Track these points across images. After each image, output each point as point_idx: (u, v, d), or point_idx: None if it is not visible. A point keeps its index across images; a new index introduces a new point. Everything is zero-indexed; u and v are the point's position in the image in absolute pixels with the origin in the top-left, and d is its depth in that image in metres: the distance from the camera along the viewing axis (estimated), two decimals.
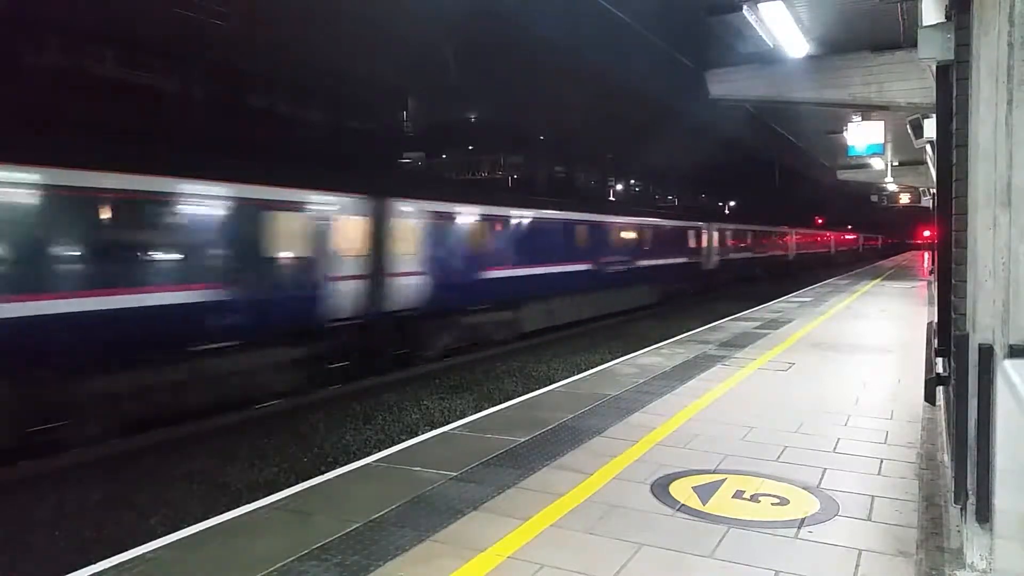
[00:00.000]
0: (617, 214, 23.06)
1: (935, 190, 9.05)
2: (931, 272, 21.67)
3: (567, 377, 9.70)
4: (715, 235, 30.81)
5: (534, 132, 36.12)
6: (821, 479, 5.05)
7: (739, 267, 34.14)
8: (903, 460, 5.45)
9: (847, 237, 73.09)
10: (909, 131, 14.77)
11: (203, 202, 9.84)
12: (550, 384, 9.19)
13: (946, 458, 4.95)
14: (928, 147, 14.29)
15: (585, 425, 6.57)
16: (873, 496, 4.71)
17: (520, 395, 8.65)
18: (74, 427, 8.32)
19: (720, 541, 4.05)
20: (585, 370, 10.14)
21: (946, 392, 5.10)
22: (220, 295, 9.84)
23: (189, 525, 4.54)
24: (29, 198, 8.02)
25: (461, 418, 7.51)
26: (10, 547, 6.03)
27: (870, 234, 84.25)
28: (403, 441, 6.45)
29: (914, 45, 4.55)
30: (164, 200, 9.36)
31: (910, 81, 10.91)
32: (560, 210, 19.23)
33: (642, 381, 8.58)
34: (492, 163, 37.49)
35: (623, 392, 7.97)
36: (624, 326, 20.39)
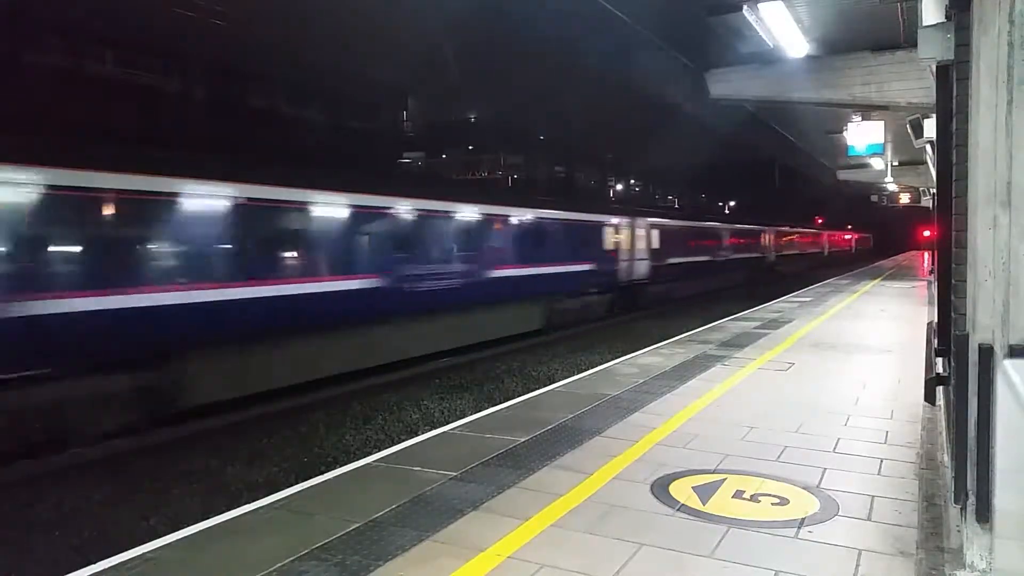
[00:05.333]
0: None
1: (935, 190, 9.05)
2: (931, 272, 21.66)
3: (567, 377, 9.69)
4: (633, 234, 23.10)
5: (534, 132, 36.11)
6: (821, 479, 5.06)
7: (675, 276, 26.24)
8: (903, 460, 5.45)
9: (845, 237, 72.53)
10: (909, 131, 14.79)
11: None
12: (550, 384, 9.19)
13: (946, 458, 4.95)
14: (928, 147, 14.29)
15: (585, 425, 6.57)
16: (873, 496, 4.71)
17: (520, 395, 8.65)
18: None
19: (720, 541, 4.05)
20: (585, 370, 10.14)
21: (946, 392, 5.10)
22: None
23: (189, 525, 4.53)
24: None
25: (461, 418, 7.50)
26: (10, 547, 6.03)
27: (864, 234, 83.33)
28: (403, 441, 6.44)
29: (914, 45, 4.55)
30: None
31: (910, 81, 10.93)
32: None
33: (642, 381, 8.58)
34: (492, 163, 37.53)
35: (623, 392, 7.97)
36: (624, 326, 20.38)
